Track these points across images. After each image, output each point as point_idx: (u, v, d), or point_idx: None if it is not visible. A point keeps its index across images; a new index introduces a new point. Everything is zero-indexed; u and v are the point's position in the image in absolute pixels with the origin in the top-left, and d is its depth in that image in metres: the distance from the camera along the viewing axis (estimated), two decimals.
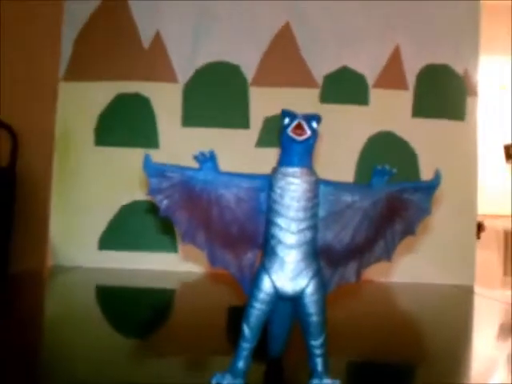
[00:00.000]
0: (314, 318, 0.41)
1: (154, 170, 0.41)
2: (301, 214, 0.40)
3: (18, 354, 0.48)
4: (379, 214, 0.42)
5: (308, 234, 0.40)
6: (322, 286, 0.41)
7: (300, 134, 0.40)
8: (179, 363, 0.50)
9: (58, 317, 0.68)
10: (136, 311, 0.74)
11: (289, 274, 0.40)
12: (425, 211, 0.44)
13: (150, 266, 1.07)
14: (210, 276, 1.03)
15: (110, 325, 0.68)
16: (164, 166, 0.41)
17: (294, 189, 0.40)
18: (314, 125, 0.40)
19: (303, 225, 0.40)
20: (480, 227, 1.18)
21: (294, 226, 0.40)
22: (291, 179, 0.40)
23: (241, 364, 0.41)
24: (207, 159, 0.42)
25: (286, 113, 0.40)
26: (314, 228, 0.41)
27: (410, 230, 0.44)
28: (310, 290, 0.40)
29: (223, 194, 0.41)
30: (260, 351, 0.42)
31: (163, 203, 0.41)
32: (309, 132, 0.40)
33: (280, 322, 0.46)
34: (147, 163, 0.41)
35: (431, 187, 0.45)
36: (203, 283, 1.00)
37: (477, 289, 1.06)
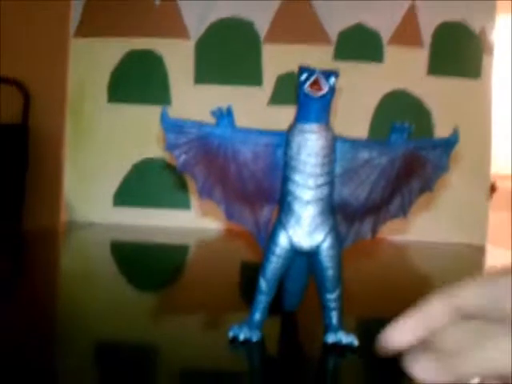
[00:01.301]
0: (330, 272, 0.41)
1: (171, 125, 0.41)
2: (317, 170, 0.40)
3: (34, 311, 0.49)
4: (396, 170, 0.42)
5: (324, 190, 0.40)
6: (338, 242, 0.42)
7: (317, 90, 0.39)
8: (196, 318, 0.51)
9: (73, 272, 0.69)
10: (151, 267, 0.75)
11: (305, 229, 0.40)
12: (442, 168, 0.44)
13: (164, 223, 1.08)
14: (223, 233, 1.04)
15: (126, 281, 0.69)
16: (181, 122, 0.41)
17: (310, 145, 0.40)
18: (332, 81, 0.40)
19: (320, 180, 0.40)
20: (492, 188, 1.18)
21: (310, 182, 0.40)
22: (308, 135, 0.40)
23: (257, 316, 0.42)
24: (224, 115, 0.41)
25: (303, 69, 0.40)
26: (330, 184, 0.41)
27: (427, 187, 0.44)
28: (326, 244, 0.41)
29: (240, 150, 0.41)
30: (276, 305, 0.43)
31: (180, 158, 0.41)
32: (326, 88, 0.39)
33: (296, 276, 0.46)
34: (165, 118, 0.41)
35: (449, 144, 0.45)
36: (217, 240, 1.01)
37: (489, 248, 1.06)
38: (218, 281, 0.66)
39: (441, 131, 1.09)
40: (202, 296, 0.58)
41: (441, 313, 0.30)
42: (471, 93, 1.10)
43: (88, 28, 1.11)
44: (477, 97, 1.10)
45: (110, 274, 0.69)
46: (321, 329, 0.42)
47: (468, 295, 0.30)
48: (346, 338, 0.41)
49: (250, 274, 0.72)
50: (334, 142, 0.41)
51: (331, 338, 0.41)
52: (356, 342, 0.41)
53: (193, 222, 1.07)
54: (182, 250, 0.93)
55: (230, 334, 0.41)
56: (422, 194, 0.45)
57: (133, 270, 0.75)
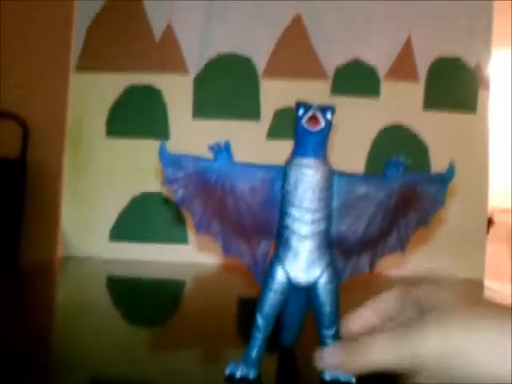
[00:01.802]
0: (327, 308, 0.41)
1: (169, 160, 0.41)
2: (314, 205, 0.40)
3: (29, 344, 0.49)
4: (393, 205, 0.42)
5: (322, 225, 0.40)
6: (336, 277, 0.42)
7: (315, 125, 0.40)
8: (192, 354, 0.50)
9: (69, 307, 0.69)
10: (148, 302, 0.75)
11: (302, 264, 0.40)
12: (439, 203, 0.45)
13: (161, 258, 1.07)
14: (221, 267, 1.04)
15: (122, 315, 0.69)
16: (179, 156, 0.41)
17: (307, 179, 0.40)
18: (329, 116, 0.40)
19: (317, 215, 0.40)
20: (489, 222, 1.18)
21: (307, 217, 0.40)
22: (305, 170, 0.40)
23: (254, 353, 0.41)
24: (222, 150, 0.42)
25: (300, 104, 0.41)
26: (327, 219, 0.41)
27: (423, 222, 0.44)
28: (323, 280, 0.41)
29: (237, 184, 0.42)
30: (273, 341, 0.43)
31: (178, 193, 0.41)
32: (323, 123, 0.40)
33: (293, 311, 0.46)
34: (163, 152, 0.41)
35: (445, 179, 0.45)
36: (215, 274, 1.00)
37: (487, 283, 1.06)
38: (214, 316, 0.65)
39: (438, 165, 1.09)
40: (199, 331, 0.58)
41: (368, 317, 0.39)
42: (467, 127, 1.11)
43: (88, 63, 1.12)
44: (473, 131, 1.11)
45: (105, 308, 0.69)
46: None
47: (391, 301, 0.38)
48: (344, 376, 0.40)
49: (247, 309, 0.71)
50: (331, 177, 0.41)
51: (329, 375, 0.41)
52: (353, 380, 0.40)
53: (190, 257, 1.07)
54: (178, 284, 0.93)
55: (227, 372, 0.41)
56: (419, 228, 0.45)
57: (129, 304, 0.74)
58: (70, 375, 0.41)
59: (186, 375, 0.43)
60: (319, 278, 0.41)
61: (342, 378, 0.40)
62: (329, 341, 0.41)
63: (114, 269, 1.01)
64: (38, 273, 0.93)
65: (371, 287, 0.43)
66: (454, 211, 1.03)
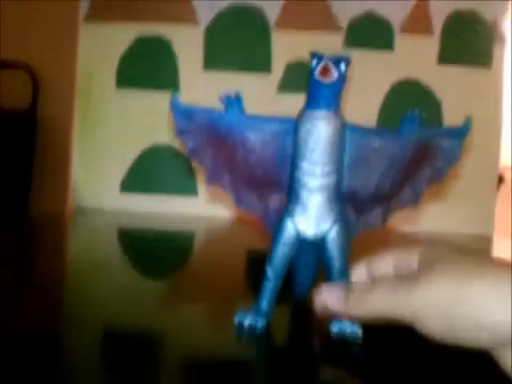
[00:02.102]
0: (336, 262, 0.41)
1: (180, 111, 0.41)
2: (325, 158, 0.39)
3: (41, 297, 0.49)
4: (407, 159, 0.42)
5: (332, 178, 0.40)
6: (346, 231, 0.41)
7: (326, 77, 0.39)
8: (202, 305, 0.51)
9: (80, 258, 0.69)
10: (158, 254, 0.75)
11: (311, 217, 0.40)
12: (454, 158, 0.44)
13: (171, 209, 1.08)
14: (231, 220, 1.04)
15: (132, 267, 0.69)
16: (191, 108, 0.41)
17: (318, 132, 0.39)
18: (343, 67, 0.39)
19: (327, 168, 0.40)
20: (500, 179, 1.17)
21: (317, 170, 0.40)
22: (316, 122, 0.39)
23: (264, 304, 0.42)
24: (233, 101, 0.41)
25: (314, 54, 0.40)
26: (338, 172, 0.40)
27: (438, 177, 0.44)
28: (332, 234, 0.41)
29: (248, 136, 0.41)
30: (286, 295, 0.43)
31: (189, 144, 0.41)
32: (336, 75, 0.39)
33: (306, 267, 0.46)
34: (174, 104, 0.41)
35: (461, 133, 0.44)
36: (224, 227, 1.01)
37: (496, 239, 1.06)
38: (225, 268, 0.66)
39: (450, 120, 1.08)
40: (209, 283, 0.58)
41: (362, 273, 0.39)
42: (482, 82, 1.09)
43: (97, 13, 1.10)
44: (487, 87, 1.09)
45: (116, 260, 0.70)
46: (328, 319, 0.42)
47: (380, 264, 0.39)
48: (351, 328, 0.41)
49: (258, 261, 0.72)
50: (343, 130, 0.40)
51: (336, 328, 0.41)
52: (360, 332, 0.41)
53: (200, 209, 1.08)
54: (189, 236, 0.93)
55: (236, 321, 0.42)
56: (433, 183, 0.44)
57: (139, 256, 0.75)
58: (81, 328, 0.42)
59: (196, 326, 0.44)
60: (328, 232, 0.41)
61: (349, 330, 0.41)
62: None
63: (125, 221, 1.02)
64: (49, 224, 0.94)
65: (384, 242, 0.43)
66: (465, 167, 1.03)
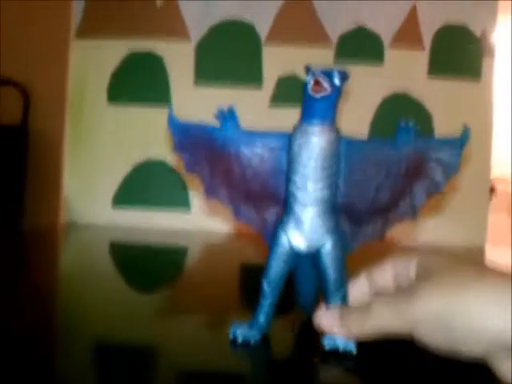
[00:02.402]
0: (331, 275, 0.41)
1: (177, 127, 0.41)
2: (318, 173, 0.40)
3: (32, 311, 0.49)
4: (404, 171, 0.42)
5: (325, 192, 0.40)
6: (341, 244, 0.41)
7: (318, 91, 0.39)
8: (195, 319, 0.51)
9: (72, 273, 0.69)
10: (150, 268, 0.75)
11: (304, 230, 0.40)
12: (452, 169, 0.43)
13: (164, 224, 1.08)
14: (224, 235, 1.04)
15: (125, 281, 0.69)
16: (187, 123, 0.41)
17: (311, 147, 0.39)
18: (336, 81, 0.40)
19: (320, 184, 0.40)
20: (491, 190, 1.18)
21: (310, 185, 0.40)
22: (309, 137, 0.40)
23: (261, 318, 0.42)
24: (227, 116, 0.41)
25: (308, 68, 0.40)
26: (331, 186, 0.40)
27: (436, 189, 0.43)
28: (326, 247, 0.41)
29: (244, 151, 0.41)
30: (284, 307, 0.43)
31: (187, 159, 0.41)
32: (328, 89, 0.39)
33: (306, 280, 0.46)
34: (171, 120, 0.41)
35: (459, 144, 0.44)
36: (218, 241, 1.01)
37: (488, 250, 1.06)
38: (218, 283, 0.65)
39: (441, 133, 1.08)
40: (203, 297, 0.58)
41: (363, 285, 0.40)
42: (472, 95, 1.10)
43: (89, 29, 1.11)
44: (478, 99, 1.10)
45: (109, 275, 0.69)
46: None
47: (380, 274, 0.39)
48: (345, 345, 0.39)
49: (252, 276, 0.72)
50: (338, 144, 0.40)
51: (328, 344, 0.40)
52: (354, 350, 0.39)
53: (193, 224, 1.07)
54: (182, 251, 0.93)
55: (230, 335, 0.41)
56: (432, 196, 0.44)
57: (132, 271, 0.75)
58: (73, 342, 0.41)
59: (189, 340, 0.44)
60: (322, 245, 0.41)
61: (342, 347, 0.40)
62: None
63: (117, 235, 1.02)
64: (40, 238, 0.93)
65: (383, 255, 0.42)
66: (457, 179, 1.04)
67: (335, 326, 0.37)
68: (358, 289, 0.40)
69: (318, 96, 0.39)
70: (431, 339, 0.31)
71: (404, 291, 0.34)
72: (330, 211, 0.41)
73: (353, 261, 0.43)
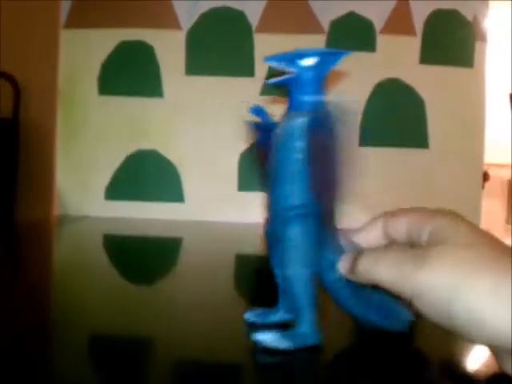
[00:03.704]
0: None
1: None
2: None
3: (26, 304, 0.49)
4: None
5: None
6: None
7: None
8: (191, 310, 0.50)
9: (66, 265, 0.69)
10: (144, 260, 0.75)
11: None
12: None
13: (157, 216, 1.08)
14: (215, 225, 1.04)
15: (119, 273, 0.69)
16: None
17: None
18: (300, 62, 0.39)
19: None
20: (485, 176, 1.18)
21: None
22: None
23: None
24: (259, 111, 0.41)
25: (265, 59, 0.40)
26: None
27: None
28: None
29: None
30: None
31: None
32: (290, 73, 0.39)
33: None
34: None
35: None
36: (211, 232, 1.01)
37: None
38: (214, 274, 0.65)
39: (434, 119, 1.09)
40: (198, 288, 0.58)
41: (378, 232, 0.38)
42: (464, 81, 1.10)
43: (78, 19, 1.10)
44: (470, 85, 1.10)
45: (103, 267, 0.69)
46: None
47: (395, 224, 0.37)
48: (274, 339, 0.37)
49: (248, 266, 0.72)
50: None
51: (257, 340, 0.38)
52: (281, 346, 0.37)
53: (187, 214, 1.07)
54: (175, 242, 0.93)
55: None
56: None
57: (126, 262, 0.74)
58: (68, 334, 0.41)
59: (184, 331, 0.43)
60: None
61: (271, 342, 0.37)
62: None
63: (111, 227, 1.01)
64: (34, 232, 0.93)
65: None
66: (449, 166, 1.04)
67: (347, 270, 0.36)
68: (373, 235, 0.38)
69: (271, 83, 0.39)
70: (431, 312, 0.30)
71: (414, 251, 0.32)
72: None
73: None
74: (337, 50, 0.40)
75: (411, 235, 0.35)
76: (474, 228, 0.33)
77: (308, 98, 0.39)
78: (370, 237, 0.39)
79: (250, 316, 0.42)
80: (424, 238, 0.34)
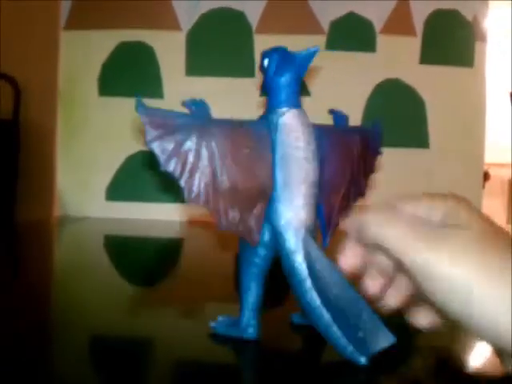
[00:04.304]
0: None
1: (149, 115, 0.37)
2: None
3: (27, 304, 0.49)
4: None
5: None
6: None
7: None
8: (189, 310, 0.50)
9: (66, 265, 0.69)
10: (144, 260, 0.75)
11: None
12: (378, 152, 0.46)
13: (157, 217, 1.08)
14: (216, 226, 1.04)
15: (119, 274, 0.69)
16: (159, 111, 0.38)
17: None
18: (265, 63, 0.42)
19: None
20: (485, 176, 1.18)
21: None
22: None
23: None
24: (198, 104, 0.40)
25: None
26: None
27: (370, 170, 0.45)
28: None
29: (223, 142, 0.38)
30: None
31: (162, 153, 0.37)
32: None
33: None
34: (141, 108, 0.37)
35: (378, 132, 0.47)
36: (211, 233, 1.00)
37: None
38: (212, 273, 0.65)
39: (435, 119, 1.09)
40: (196, 288, 0.58)
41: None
42: (465, 81, 1.10)
43: (78, 20, 1.10)
44: (470, 85, 1.10)
45: (103, 267, 0.69)
46: None
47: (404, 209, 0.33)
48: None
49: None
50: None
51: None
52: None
53: (187, 215, 1.07)
54: (175, 243, 0.93)
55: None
56: (369, 177, 0.45)
57: (126, 263, 0.74)
58: (68, 334, 0.41)
59: (183, 331, 0.43)
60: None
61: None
62: None
63: (111, 228, 1.01)
64: (35, 233, 0.93)
65: None
66: (450, 165, 1.04)
67: (354, 226, 0.33)
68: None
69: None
70: (440, 300, 0.29)
71: (431, 227, 0.30)
72: None
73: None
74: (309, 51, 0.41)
75: (421, 215, 0.33)
76: (485, 217, 0.32)
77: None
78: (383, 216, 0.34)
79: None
80: (436, 217, 0.32)
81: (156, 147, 0.36)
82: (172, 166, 0.37)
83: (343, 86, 1.06)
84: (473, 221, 0.31)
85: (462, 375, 0.36)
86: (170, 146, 0.36)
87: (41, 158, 1.11)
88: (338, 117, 0.42)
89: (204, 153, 0.37)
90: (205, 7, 1.09)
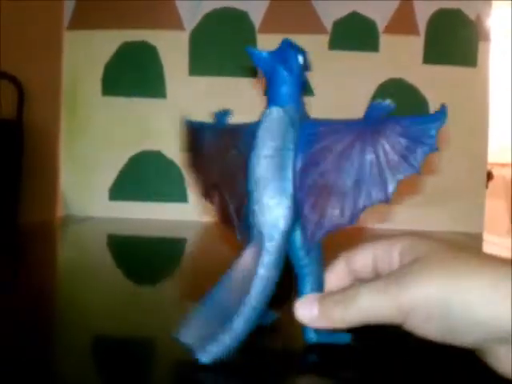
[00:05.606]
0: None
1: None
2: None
3: (31, 305, 0.49)
4: (365, 151, 0.38)
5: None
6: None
7: None
8: (191, 311, 0.50)
9: (70, 265, 0.69)
10: (148, 260, 0.75)
11: None
12: (429, 146, 0.37)
13: (161, 216, 1.08)
14: (220, 226, 1.04)
15: (123, 273, 0.69)
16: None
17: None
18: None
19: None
20: (488, 176, 1.18)
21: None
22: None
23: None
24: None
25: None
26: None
27: (411, 169, 0.39)
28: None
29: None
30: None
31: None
32: None
33: None
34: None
35: (434, 121, 0.37)
36: (215, 233, 1.00)
37: (485, 236, 1.06)
38: (216, 273, 0.65)
39: None
40: (201, 289, 0.58)
41: (342, 270, 0.37)
42: (468, 80, 1.10)
43: (81, 20, 1.10)
44: (473, 84, 1.10)
45: (107, 267, 0.69)
46: None
47: (359, 258, 0.36)
48: (334, 337, 0.37)
49: None
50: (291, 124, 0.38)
51: (311, 338, 0.37)
52: (348, 339, 0.37)
53: (191, 215, 1.07)
54: (179, 243, 0.93)
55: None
56: (407, 176, 0.39)
57: (131, 263, 0.74)
58: (72, 334, 0.41)
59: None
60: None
61: (332, 339, 0.37)
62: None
63: (115, 228, 1.02)
64: (38, 233, 0.93)
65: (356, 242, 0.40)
66: (453, 165, 1.04)
67: (314, 317, 0.32)
68: (336, 275, 0.37)
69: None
70: (424, 328, 0.30)
71: (391, 276, 0.31)
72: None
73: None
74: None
75: (378, 265, 0.35)
76: (442, 242, 0.33)
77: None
78: (334, 276, 0.37)
79: None
80: (394, 262, 0.33)
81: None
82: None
83: (346, 86, 1.06)
84: (432, 248, 0.32)
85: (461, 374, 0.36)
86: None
87: (44, 158, 1.12)
88: (373, 107, 0.38)
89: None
90: (208, 7, 1.09)
